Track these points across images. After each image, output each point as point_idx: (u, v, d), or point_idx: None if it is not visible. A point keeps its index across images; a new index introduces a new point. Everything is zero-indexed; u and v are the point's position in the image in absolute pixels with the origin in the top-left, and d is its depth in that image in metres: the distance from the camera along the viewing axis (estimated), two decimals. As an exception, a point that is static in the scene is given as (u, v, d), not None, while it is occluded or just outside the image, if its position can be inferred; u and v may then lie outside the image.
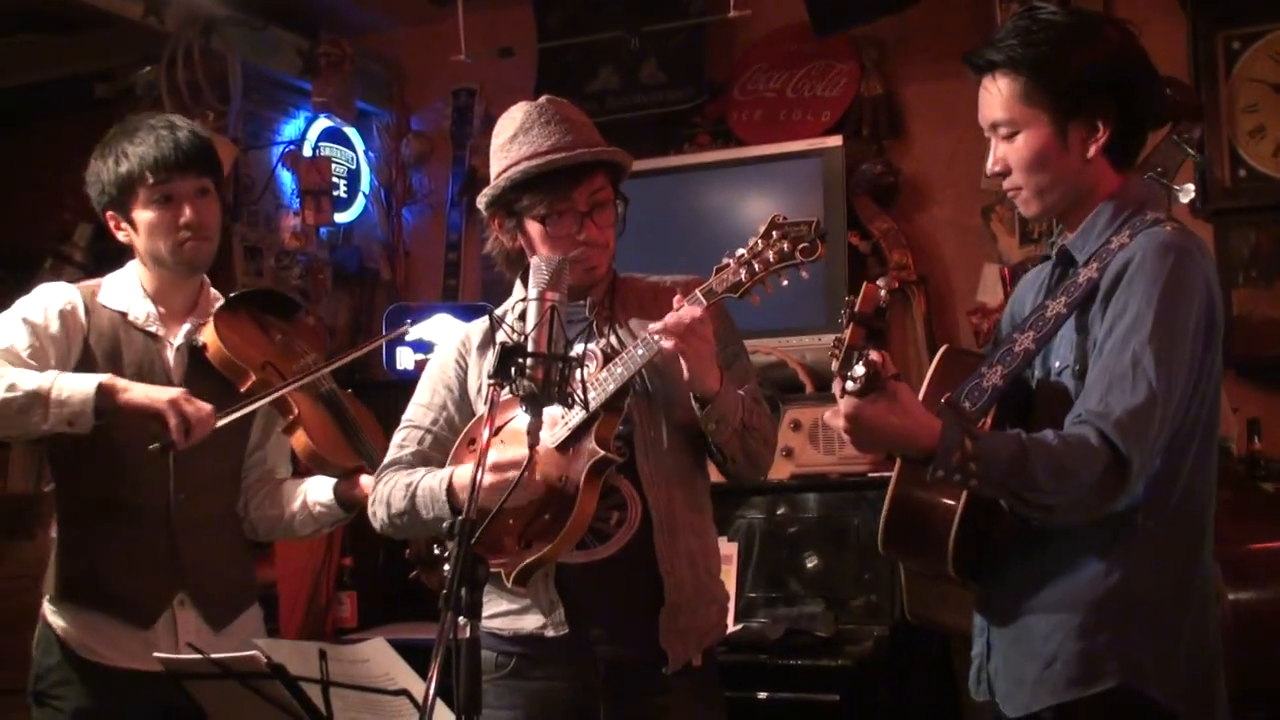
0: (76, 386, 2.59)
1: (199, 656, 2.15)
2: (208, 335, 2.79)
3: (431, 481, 2.43)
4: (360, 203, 5.11)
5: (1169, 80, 2.29)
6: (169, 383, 2.75)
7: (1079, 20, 2.15)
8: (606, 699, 2.43)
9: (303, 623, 4.13)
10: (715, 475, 2.61)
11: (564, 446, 2.39)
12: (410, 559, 2.83)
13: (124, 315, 2.78)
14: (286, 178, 4.90)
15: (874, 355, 1.92)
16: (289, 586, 4.09)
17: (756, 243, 2.33)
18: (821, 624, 3.41)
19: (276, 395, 2.77)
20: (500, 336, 2.24)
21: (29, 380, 2.58)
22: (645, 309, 2.53)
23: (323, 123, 4.97)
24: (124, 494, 2.72)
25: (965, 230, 4.32)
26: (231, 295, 2.93)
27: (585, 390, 2.24)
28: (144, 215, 2.74)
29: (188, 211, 2.73)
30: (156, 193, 2.72)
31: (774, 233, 2.31)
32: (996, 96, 2.12)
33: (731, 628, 3.38)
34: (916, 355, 4.22)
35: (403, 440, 2.58)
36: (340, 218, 5.01)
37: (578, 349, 2.24)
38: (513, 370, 2.02)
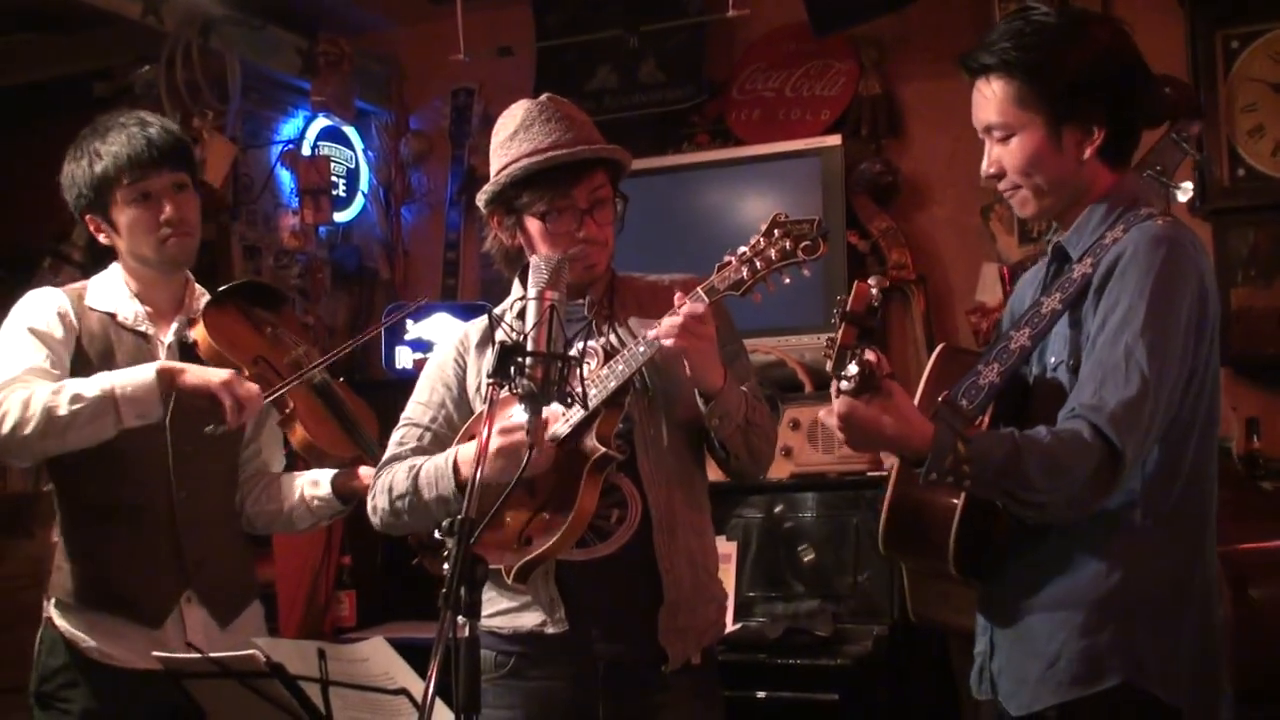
0: (138, 380, 2.57)
1: (198, 656, 2.15)
2: (198, 333, 2.78)
3: (436, 460, 2.44)
4: (359, 202, 5.12)
5: (1166, 79, 2.29)
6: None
7: (1071, 21, 2.15)
8: (605, 697, 2.43)
9: (302, 622, 4.12)
10: (713, 474, 2.61)
11: (565, 443, 2.39)
12: (412, 545, 2.82)
13: (113, 316, 2.77)
14: (285, 177, 4.90)
15: (869, 355, 1.92)
16: (288, 585, 4.08)
17: (759, 241, 2.32)
18: (820, 623, 3.42)
19: (293, 383, 2.76)
20: (499, 335, 2.23)
21: (90, 387, 2.56)
22: (644, 308, 2.53)
23: (321, 122, 4.97)
24: (126, 495, 2.71)
25: (964, 229, 4.32)
26: (219, 290, 2.91)
27: (584, 389, 2.24)
28: (123, 215, 2.72)
29: (167, 208, 2.72)
30: (133, 191, 2.70)
31: (776, 231, 2.31)
32: (990, 100, 2.12)
33: (730, 627, 3.38)
34: (916, 354, 4.23)
35: (401, 438, 2.58)
36: (339, 217, 5.02)
37: (576, 347, 2.24)
38: (512, 369, 2.02)
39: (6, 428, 2.54)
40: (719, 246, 2.38)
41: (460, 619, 1.81)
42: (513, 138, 2.47)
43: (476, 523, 1.88)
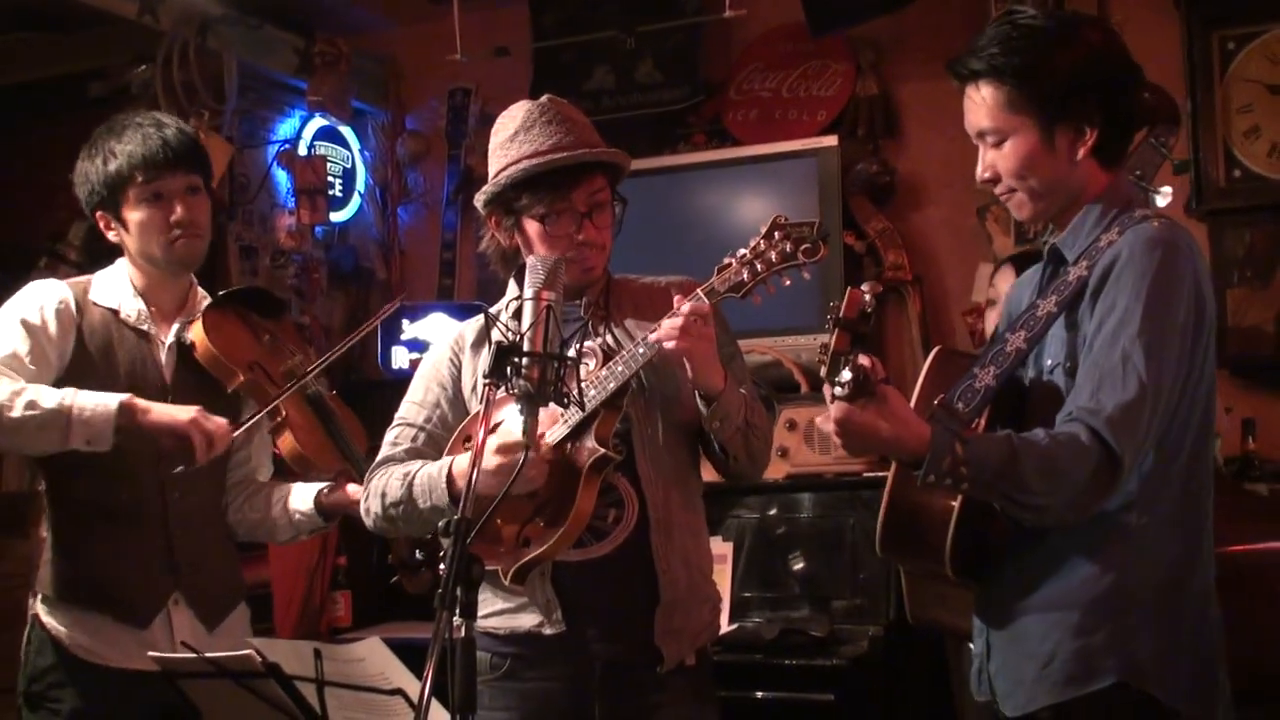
0: (98, 405, 2.57)
1: (194, 656, 2.14)
2: (195, 334, 2.78)
3: (430, 470, 2.43)
4: (355, 202, 5.12)
5: (1146, 85, 2.30)
6: (161, 380, 2.76)
7: (1059, 24, 2.15)
8: (601, 698, 2.43)
9: (297, 622, 4.12)
10: (708, 475, 2.61)
11: (563, 444, 2.39)
12: (392, 564, 2.82)
13: (115, 313, 2.77)
14: (282, 177, 4.89)
15: (863, 360, 1.92)
16: (283, 586, 4.08)
17: (759, 243, 2.33)
18: (816, 624, 3.42)
19: (280, 400, 2.76)
20: (495, 335, 2.23)
21: (49, 398, 2.56)
22: (640, 309, 2.53)
23: (318, 122, 4.97)
24: (119, 494, 2.71)
25: (960, 230, 4.33)
26: (220, 294, 2.92)
27: (582, 390, 2.24)
28: (135, 214, 2.73)
29: (178, 209, 2.73)
30: (146, 191, 2.71)
31: (776, 233, 2.32)
32: (981, 105, 2.12)
33: (726, 627, 3.38)
34: (912, 355, 4.23)
35: (396, 438, 2.57)
36: (335, 217, 5.01)
37: (573, 348, 2.24)
38: (508, 369, 2.02)
39: None
40: (716, 247, 2.38)
41: (456, 619, 1.81)
42: (513, 139, 2.47)
43: (473, 523, 1.88)
